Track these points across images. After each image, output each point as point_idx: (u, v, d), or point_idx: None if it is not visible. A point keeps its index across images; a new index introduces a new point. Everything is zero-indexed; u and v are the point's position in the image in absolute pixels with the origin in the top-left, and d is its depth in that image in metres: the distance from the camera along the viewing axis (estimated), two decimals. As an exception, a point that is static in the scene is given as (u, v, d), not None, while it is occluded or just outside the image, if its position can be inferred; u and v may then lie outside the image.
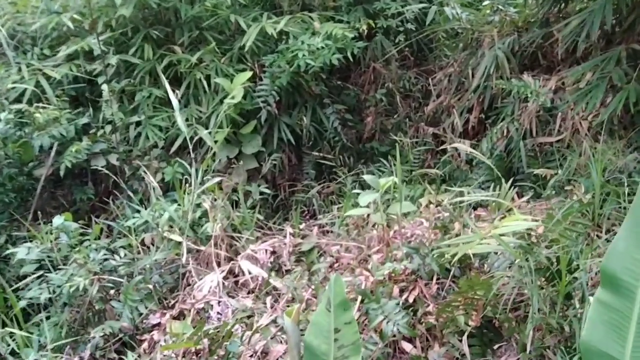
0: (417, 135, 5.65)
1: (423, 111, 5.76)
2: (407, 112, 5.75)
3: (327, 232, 3.85)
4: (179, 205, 3.98)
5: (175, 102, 4.14)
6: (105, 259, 3.59)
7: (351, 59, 5.05)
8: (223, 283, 3.31)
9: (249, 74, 4.71)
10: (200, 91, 5.04)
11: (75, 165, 4.69)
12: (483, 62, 4.60)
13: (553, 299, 2.34)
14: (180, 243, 3.63)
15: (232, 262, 3.43)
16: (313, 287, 3.10)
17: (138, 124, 5.02)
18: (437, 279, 2.87)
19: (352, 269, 3.37)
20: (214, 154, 4.53)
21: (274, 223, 4.83)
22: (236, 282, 3.37)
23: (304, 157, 5.30)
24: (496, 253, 2.77)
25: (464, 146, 4.14)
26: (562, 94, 4.48)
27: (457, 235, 3.34)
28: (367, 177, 3.18)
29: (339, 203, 4.99)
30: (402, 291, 2.86)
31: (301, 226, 3.87)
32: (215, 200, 3.79)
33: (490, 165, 3.15)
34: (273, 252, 3.68)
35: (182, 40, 5.22)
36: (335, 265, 3.47)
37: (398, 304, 2.63)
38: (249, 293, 3.29)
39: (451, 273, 2.83)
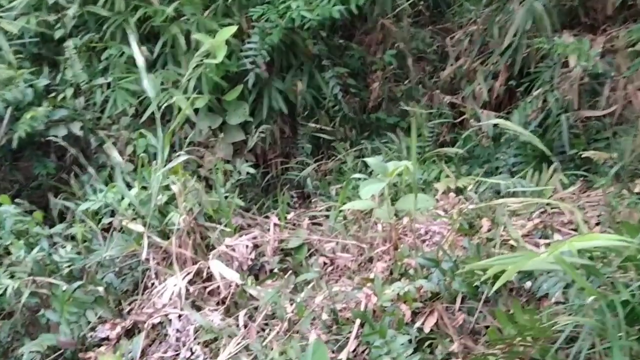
0: (432, 104, 4.84)
1: (438, 76, 4.93)
2: (420, 77, 4.92)
3: (321, 224, 3.09)
4: (144, 187, 3.25)
5: (140, 61, 3.36)
6: (50, 254, 2.89)
7: (356, 13, 4.21)
8: (188, 289, 2.59)
9: (233, 28, 3.90)
10: (179, 50, 4.24)
11: (32, 135, 3.94)
12: (517, 18, 3.75)
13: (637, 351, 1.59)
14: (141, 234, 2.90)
15: (201, 262, 2.70)
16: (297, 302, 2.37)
17: (108, 87, 4.26)
18: (463, 300, 2.13)
19: (350, 275, 2.64)
20: (190, 124, 3.77)
21: (263, 206, 4.09)
22: (205, 289, 2.64)
23: (298, 128, 4.52)
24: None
25: (495, 119, 3.34)
26: (611, 59, 3.64)
27: (489, 240, 2.59)
28: (370, 161, 2.41)
29: (338, 183, 4.24)
30: (414, 314, 2.13)
31: (289, 215, 3.11)
32: (186, 182, 3.03)
33: (536, 141, 2.36)
34: (255, 247, 2.95)
35: (159, -11, 4.39)
36: (330, 269, 2.74)
37: (410, 340, 1.90)
38: (219, 304, 2.56)
39: (483, 295, 2.08)
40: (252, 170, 3.57)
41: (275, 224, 2.99)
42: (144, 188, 3.22)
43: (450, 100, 4.72)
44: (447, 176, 3.56)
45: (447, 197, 3.20)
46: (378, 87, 4.91)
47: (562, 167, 3.56)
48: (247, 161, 4.21)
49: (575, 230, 2.69)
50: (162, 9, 4.18)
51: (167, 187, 3.09)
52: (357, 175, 2.82)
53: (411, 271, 2.34)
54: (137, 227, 2.90)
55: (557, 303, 2.06)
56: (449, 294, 2.10)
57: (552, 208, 2.90)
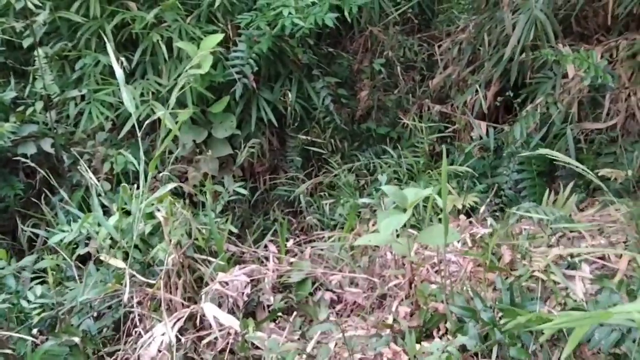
0: (421, 113, 4.46)
1: (427, 85, 4.56)
2: (410, 86, 4.53)
3: (323, 251, 2.65)
4: (125, 210, 2.77)
5: (119, 72, 2.85)
6: (18, 295, 2.38)
7: (348, 20, 3.79)
8: (179, 338, 2.13)
9: (219, 36, 3.43)
10: (160, 58, 3.74)
11: (-2, 153, 3.41)
12: (518, 26, 3.38)
13: None
14: (123, 271, 2.42)
15: (192, 306, 2.24)
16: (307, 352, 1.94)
17: (82, 99, 3.73)
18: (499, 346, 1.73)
19: (363, 315, 2.22)
20: (174, 138, 3.29)
21: (252, 225, 3.65)
22: (199, 338, 2.18)
23: (287, 140, 4.08)
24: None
25: (484, 129, 2.95)
26: (611, 69, 3.31)
27: (512, 270, 2.21)
28: (388, 190, 1.99)
29: (331, 198, 3.82)
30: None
31: (289, 243, 2.67)
32: (172, 207, 2.56)
33: (591, 175, 1.95)
34: (251, 280, 2.50)
35: (137, -6, 3.88)
36: (339, 307, 2.32)
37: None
38: (215, 357, 2.11)
39: (529, 351, 1.69)
40: (243, 191, 3.11)
41: (273, 254, 2.55)
42: (126, 212, 2.74)
43: (441, 110, 4.36)
44: (451, 193, 3.18)
45: (455, 219, 2.82)
46: (367, 96, 4.52)
47: (566, 183, 3.24)
48: (234, 176, 3.76)
49: (602, 258, 2.33)
50: (141, 15, 3.69)
51: (150, 215, 2.62)
52: (364, 200, 2.40)
53: (447, 324, 1.93)
54: (118, 262, 2.42)
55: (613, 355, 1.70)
56: (484, 345, 1.71)
57: (570, 231, 2.55)
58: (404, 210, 1.96)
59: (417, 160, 3.65)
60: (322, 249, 2.53)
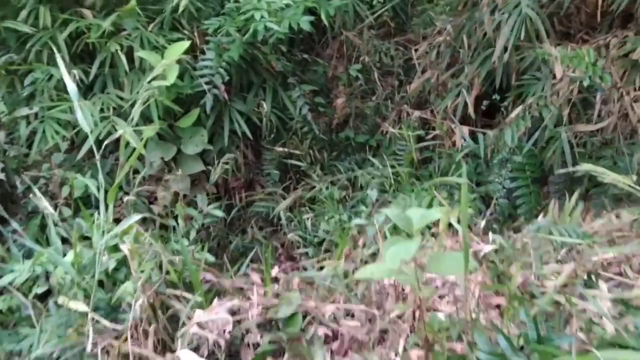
0: (400, 120, 4.22)
1: (406, 90, 4.32)
2: (388, 92, 4.28)
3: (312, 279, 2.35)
4: (86, 237, 2.41)
5: (71, 86, 2.50)
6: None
7: (321, 25, 3.52)
8: (152, 395, 1.80)
9: (185, 44, 3.10)
10: (120, 70, 3.37)
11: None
12: (507, 25, 3.16)
13: None
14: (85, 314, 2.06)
15: (167, 354, 1.90)
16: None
17: (35, 117, 3.33)
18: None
19: (364, 356, 1.93)
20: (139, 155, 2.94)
21: (230, 245, 3.32)
22: (175, 393, 1.85)
23: (263, 153, 3.76)
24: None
25: (466, 133, 2.71)
26: (602, 68, 3.11)
27: (523, 294, 1.96)
28: (391, 214, 1.70)
29: (312, 211, 3.52)
30: None
31: (273, 272, 2.36)
32: (139, 238, 2.22)
33: (615, 177, 1.69)
34: (233, 314, 2.18)
35: (93, 1, 3.51)
36: (335, 345, 2.01)
37: None
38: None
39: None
40: (219, 213, 2.78)
41: (257, 284, 2.23)
42: (87, 238, 2.39)
43: (421, 116, 4.12)
44: (441, 204, 2.91)
45: (452, 235, 2.55)
46: (344, 103, 4.24)
47: (558, 189, 3.03)
48: (208, 194, 3.42)
49: (620, 274, 2.11)
50: (97, 23, 3.32)
51: (115, 247, 2.27)
52: (358, 222, 2.12)
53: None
54: (79, 305, 2.06)
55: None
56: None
57: (578, 244, 2.32)
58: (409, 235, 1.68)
59: (402, 170, 3.38)
60: (311, 277, 2.22)
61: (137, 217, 2.00)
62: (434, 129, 4.00)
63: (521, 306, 1.71)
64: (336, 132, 4.14)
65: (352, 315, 2.11)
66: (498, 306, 2.00)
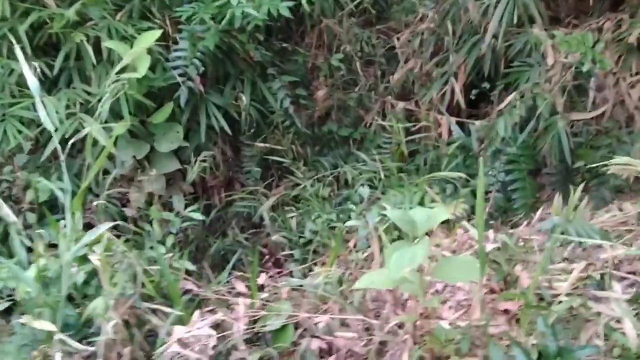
0: (384, 112, 4.05)
1: (389, 81, 4.14)
2: (371, 82, 4.09)
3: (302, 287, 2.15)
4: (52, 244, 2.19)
5: (32, 80, 2.26)
6: None
7: (300, 12, 3.31)
8: None
9: (156, 33, 2.86)
10: (87, 63, 3.11)
11: None
12: (498, 9, 3.00)
13: None
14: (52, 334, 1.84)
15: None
16: None
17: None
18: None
19: (365, 371, 1.76)
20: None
21: (209, 248, 3.11)
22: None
23: (243, 149, 3.54)
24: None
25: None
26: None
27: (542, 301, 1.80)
28: (392, 214, 1.53)
29: (296, 209, 3.33)
30: None
31: (260, 279, 2.16)
32: (111, 246, 2.00)
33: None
34: (216, 328, 1.98)
35: (55, -11, 3.23)
36: (331, 359, 1.83)
37: None
38: None
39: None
40: (198, 217, 2.56)
41: (243, 294, 2.04)
42: (55, 246, 2.16)
43: (405, 107, 3.95)
44: (435, 200, 2.74)
45: (449, 233, 2.40)
46: (325, 95, 4.05)
47: (554, 181, 2.90)
48: (184, 195, 3.20)
49: (633, 273, 1.97)
50: (61, 13, 3.05)
51: (84, 258, 2.04)
52: (352, 223, 1.94)
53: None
54: (44, 324, 1.84)
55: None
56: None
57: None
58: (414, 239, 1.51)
59: (391, 164, 3.20)
60: (301, 285, 2.03)
61: (107, 225, 1.78)
62: (418, 120, 3.85)
63: (537, 314, 1.55)
64: (318, 125, 3.95)
65: (348, 326, 1.94)
66: (506, 311, 1.85)
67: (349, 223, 1.95)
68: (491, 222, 2.60)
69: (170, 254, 2.15)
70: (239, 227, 3.32)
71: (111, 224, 1.88)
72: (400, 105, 3.95)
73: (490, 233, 2.21)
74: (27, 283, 1.89)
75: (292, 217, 3.18)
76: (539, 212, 2.56)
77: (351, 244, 2.49)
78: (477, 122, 3.42)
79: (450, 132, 3.55)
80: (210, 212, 3.34)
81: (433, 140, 3.64)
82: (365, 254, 2.13)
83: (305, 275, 2.45)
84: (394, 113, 3.90)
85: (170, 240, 2.26)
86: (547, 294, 1.85)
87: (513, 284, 1.95)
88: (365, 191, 2.57)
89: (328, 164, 3.60)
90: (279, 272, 2.36)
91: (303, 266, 2.49)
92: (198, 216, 2.53)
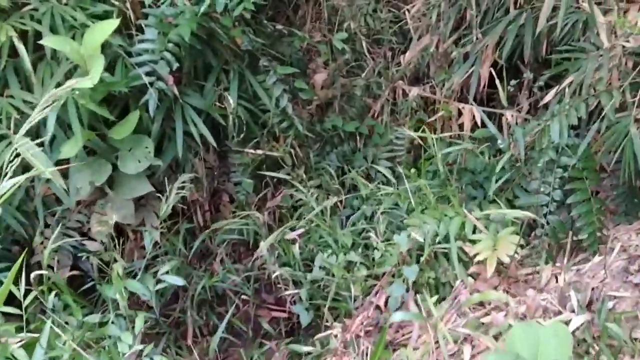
0: (395, 100, 3.42)
1: (400, 63, 3.47)
2: (380, 65, 3.42)
3: None
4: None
5: None
6: None
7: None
8: None
9: (114, 22, 2.16)
10: (24, 63, 2.39)
11: None
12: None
13: None
14: None
15: None
16: None
17: None
18: None
19: None
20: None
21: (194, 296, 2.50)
22: None
23: (231, 156, 2.88)
24: None
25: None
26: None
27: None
28: (516, 331, 0.93)
29: (297, 222, 2.71)
30: None
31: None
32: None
33: None
34: None
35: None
36: None
37: None
38: None
39: None
40: (179, 282, 1.92)
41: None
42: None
43: (420, 94, 3.33)
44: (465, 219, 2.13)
45: (506, 281, 1.81)
46: (325, 80, 3.38)
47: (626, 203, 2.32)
48: (161, 221, 2.56)
49: None
50: (-14, -4, 2.31)
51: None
52: (401, 317, 1.34)
53: None
54: None
55: None
56: None
57: None
58: None
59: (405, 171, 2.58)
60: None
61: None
62: (434, 111, 3.25)
63: None
64: (318, 119, 3.29)
65: None
66: None
67: (396, 317, 1.34)
68: (534, 260, 2.03)
69: (141, 347, 1.54)
70: (230, 256, 2.71)
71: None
72: (414, 91, 3.32)
73: (571, 294, 1.64)
74: None
75: (293, 242, 2.57)
76: (609, 244, 2.01)
77: (380, 300, 1.90)
78: (510, 118, 2.82)
79: (472, 127, 2.99)
80: (193, 238, 2.71)
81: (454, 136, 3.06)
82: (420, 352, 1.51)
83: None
84: (407, 102, 3.29)
85: (140, 323, 1.64)
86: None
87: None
88: (403, 238, 1.95)
89: (333, 167, 2.98)
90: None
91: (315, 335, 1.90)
92: (179, 281, 1.91)
